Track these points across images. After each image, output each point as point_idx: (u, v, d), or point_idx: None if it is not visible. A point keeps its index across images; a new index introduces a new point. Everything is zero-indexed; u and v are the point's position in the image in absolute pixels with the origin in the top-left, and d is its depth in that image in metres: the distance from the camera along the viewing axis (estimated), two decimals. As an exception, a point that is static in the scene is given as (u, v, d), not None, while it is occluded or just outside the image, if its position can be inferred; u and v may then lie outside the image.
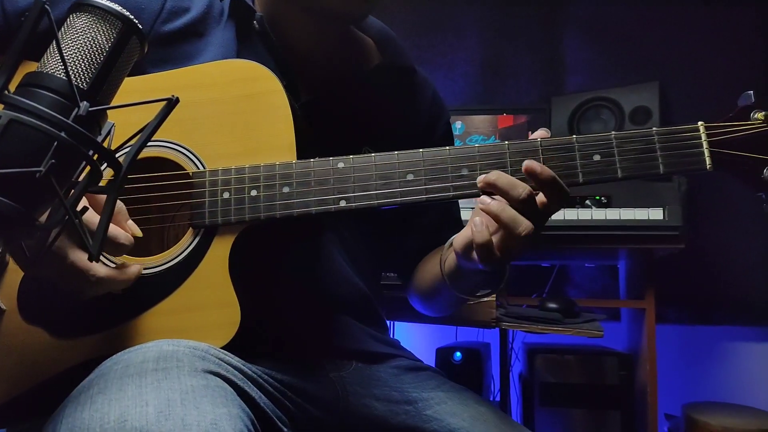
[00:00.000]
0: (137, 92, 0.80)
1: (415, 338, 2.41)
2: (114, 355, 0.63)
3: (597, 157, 0.71)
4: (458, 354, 1.88)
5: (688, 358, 2.30)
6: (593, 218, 1.61)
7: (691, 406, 1.93)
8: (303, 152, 0.78)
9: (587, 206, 1.66)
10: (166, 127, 0.78)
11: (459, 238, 0.75)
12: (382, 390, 0.87)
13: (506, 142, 0.73)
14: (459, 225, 1.04)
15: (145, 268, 0.74)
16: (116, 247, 0.65)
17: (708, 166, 0.71)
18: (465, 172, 0.72)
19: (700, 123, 0.72)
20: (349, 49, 0.98)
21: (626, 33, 2.37)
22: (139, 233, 0.69)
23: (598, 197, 1.69)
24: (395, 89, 0.98)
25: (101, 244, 0.46)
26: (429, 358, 1.95)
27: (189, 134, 0.79)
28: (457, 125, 2.25)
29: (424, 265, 1.00)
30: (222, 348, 0.71)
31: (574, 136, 0.72)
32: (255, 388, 0.68)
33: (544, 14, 2.47)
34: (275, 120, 0.77)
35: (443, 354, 1.91)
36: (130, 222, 0.69)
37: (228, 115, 0.79)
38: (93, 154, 0.47)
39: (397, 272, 1.10)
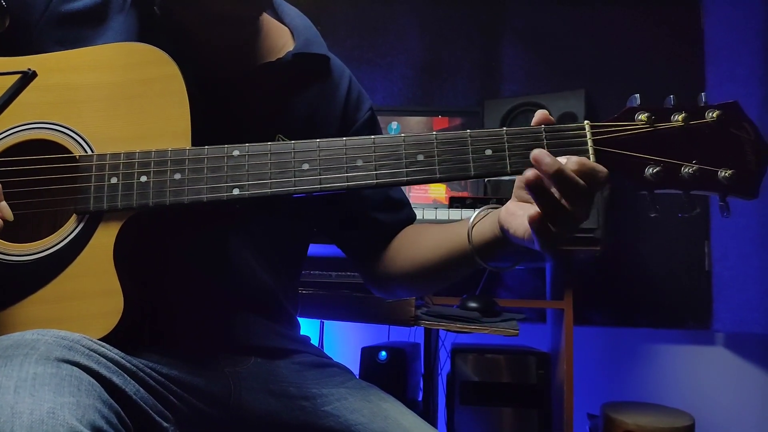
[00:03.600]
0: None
1: (346, 338, 2.40)
2: None
3: (489, 152, 0.72)
4: (383, 353, 1.87)
5: (610, 359, 2.36)
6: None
7: (610, 405, 1.99)
8: (210, 142, 0.75)
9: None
10: (53, 109, 0.76)
11: (519, 222, 0.74)
12: (279, 385, 0.86)
13: (402, 135, 0.73)
14: (405, 202, 1.03)
15: (23, 255, 0.71)
16: None
17: None
18: (360, 163, 0.72)
19: (586, 122, 0.73)
20: (257, 38, 0.95)
21: (559, 43, 2.43)
22: (10, 216, 0.66)
23: (524, 200, 1.71)
24: (308, 77, 0.96)
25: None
26: (355, 357, 1.95)
27: (79, 117, 0.76)
28: (393, 126, 2.26)
29: (419, 243, 0.96)
30: (104, 339, 0.68)
31: (468, 130, 0.72)
32: (133, 382, 0.66)
33: (483, 22, 2.51)
34: (171, 105, 0.75)
35: (368, 353, 1.91)
36: (3, 204, 0.65)
37: (122, 99, 0.76)
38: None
39: (360, 266, 1.06)
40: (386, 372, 1.86)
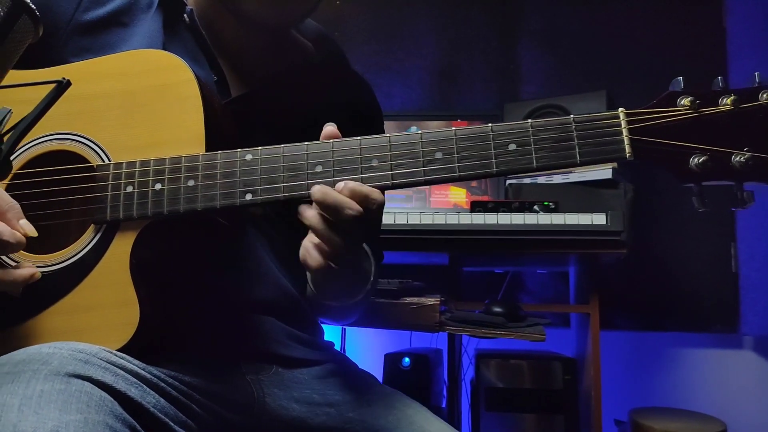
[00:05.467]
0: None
1: (368, 344, 2.39)
2: None
3: (512, 147, 0.67)
4: (407, 360, 1.86)
5: (637, 364, 2.31)
6: (539, 223, 1.61)
7: (638, 411, 1.94)
8: (229, 148, 0.74)
9: (535, 211, 1.66)
10: (73, 119, 0.76)
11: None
12: (301, 392, 0.85)
13: (419, 132, 0.71)
14: None
15: (42, 266, 0.71)
16: (2, 246, 0.63)
17: (628, 155, 0.65)
18: (375, 163, 0.70)
19: (620, 109, 0.67)
20: (283, 46, 0.96)
21: (579, 44, 2.41)
22: (33, 233, 0.66)
23: (546, 203, 1.69)
24: (332, 86, 0.97)
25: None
26: (378, 364, 1.93)
27: (96, 126, 0.76)
28: (413, 130, 2.25)
29: None
30: (123, 349, 0.68)
31: (490, 124, 0.68)
32: (153, 393, 0.65)
33: (500, 25, 2.49)
34: (185, 111, 0.74)
35: (392, 359, 1.89)
36: (23, 221, 0.65)
37: (137, 107, 0.76)
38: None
39: None
40: (410, 378, 1.84)
